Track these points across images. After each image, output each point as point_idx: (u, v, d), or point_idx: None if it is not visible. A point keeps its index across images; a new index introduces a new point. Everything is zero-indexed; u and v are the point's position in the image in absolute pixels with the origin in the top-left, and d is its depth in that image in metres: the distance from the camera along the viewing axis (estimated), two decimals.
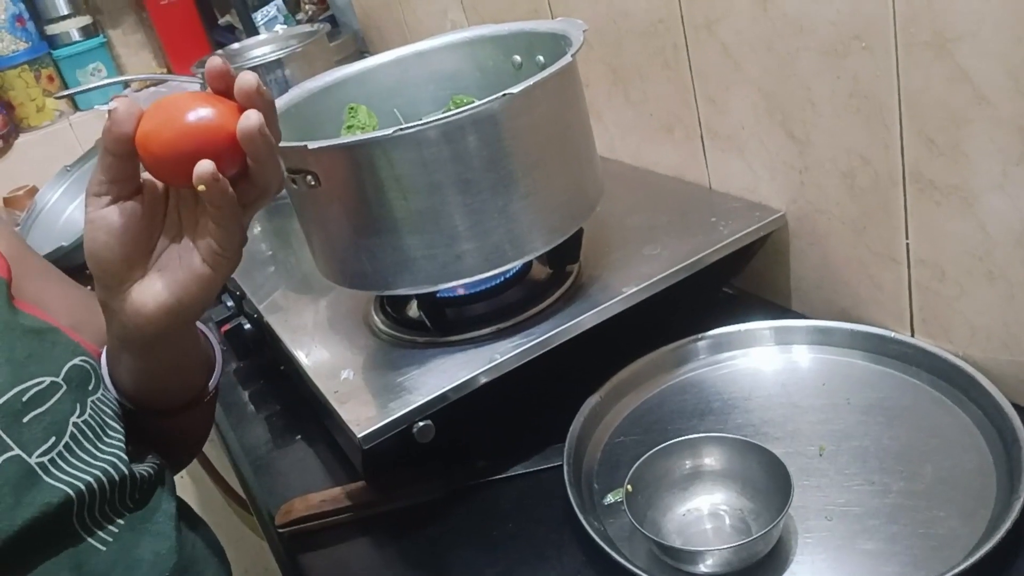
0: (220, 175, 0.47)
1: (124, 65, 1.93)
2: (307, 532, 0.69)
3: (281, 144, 0.63)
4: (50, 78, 1.82)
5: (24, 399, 0.52)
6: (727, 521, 0.59)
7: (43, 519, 0.51)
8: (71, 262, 1.35)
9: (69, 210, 1.49)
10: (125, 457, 0.56)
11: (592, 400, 0.70)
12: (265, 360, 0.91)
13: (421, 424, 0.63)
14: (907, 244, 0.67)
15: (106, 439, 0.56)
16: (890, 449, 0.62)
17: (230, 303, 0.96)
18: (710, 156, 0.84)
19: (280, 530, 0.69)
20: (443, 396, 0.64)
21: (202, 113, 0.47)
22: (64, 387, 0.55)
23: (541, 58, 0.75)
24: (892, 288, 0.70)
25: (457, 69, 0.81)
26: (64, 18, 1.80)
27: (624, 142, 0.96)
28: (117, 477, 0.55)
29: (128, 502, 0.57)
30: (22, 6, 1.75)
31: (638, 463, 0.60)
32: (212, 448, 1.39)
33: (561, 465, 0.64)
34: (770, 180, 0.78)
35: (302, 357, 0.74)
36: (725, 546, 0.56)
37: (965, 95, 0.57)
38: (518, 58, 0.77)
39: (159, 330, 0.53)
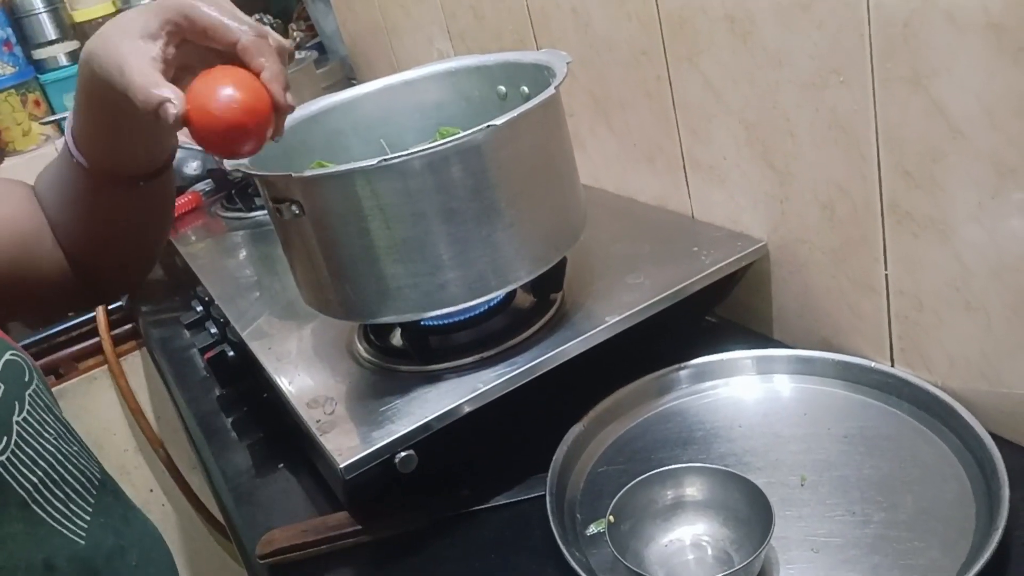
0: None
1: None
2: (288, 563, 0.68)
3: (266, 173, 0.64)
4: (36, 103, 1.81)
5: None
6: (709, 552, 0.59)
7: (16, 514, 0.51)
8: None
9: None
10: (65, 450, 0.58)
11: (575, 429, 0.70)
12: (248, 387, 0.90)
13: (403, 454, 0.63)
14: (886, 274, 0.68)
15: (45, 433, 0.58)
16: (871, 479, 0.62)
17: (214, 330, 0.96)
18: (692, 186, 0.85)
19: (261, 561, 0.69)
20: (426, 426, 0.64)
21: (235, 103, 0.53)
22: (2, 387, 0.55)
23: (526, 89, 0.76)
24: (872, 318, 0.71)
25: (443, 99, 0.82)
26: (51, 43, 1.80)
27: (607, 171, 0.97)
28: (57, 476, 0.56)
29: (79, 497, 0.58)
30: (9, 31, 1.75)
31: (620, 493, 0.60)
32: (194, 476, 1.38)
33: (544, 495, 0.64)
34: (752, 210, 0.79)
35: (285, 385, 0.74)
36: None
37: (940, 129, 0.58)
38: (503, 88, 0.78)
39: None
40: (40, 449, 0.57)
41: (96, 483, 0.63)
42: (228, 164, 0.68)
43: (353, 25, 1.60)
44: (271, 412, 0.86)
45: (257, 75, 0.54)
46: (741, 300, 0.83)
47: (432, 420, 0.64)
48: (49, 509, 0.56)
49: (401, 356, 0.73)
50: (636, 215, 0.91)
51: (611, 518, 0.59)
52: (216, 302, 0.96)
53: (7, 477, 0.53)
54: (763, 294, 0.81)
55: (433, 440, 0.64)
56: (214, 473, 0.84)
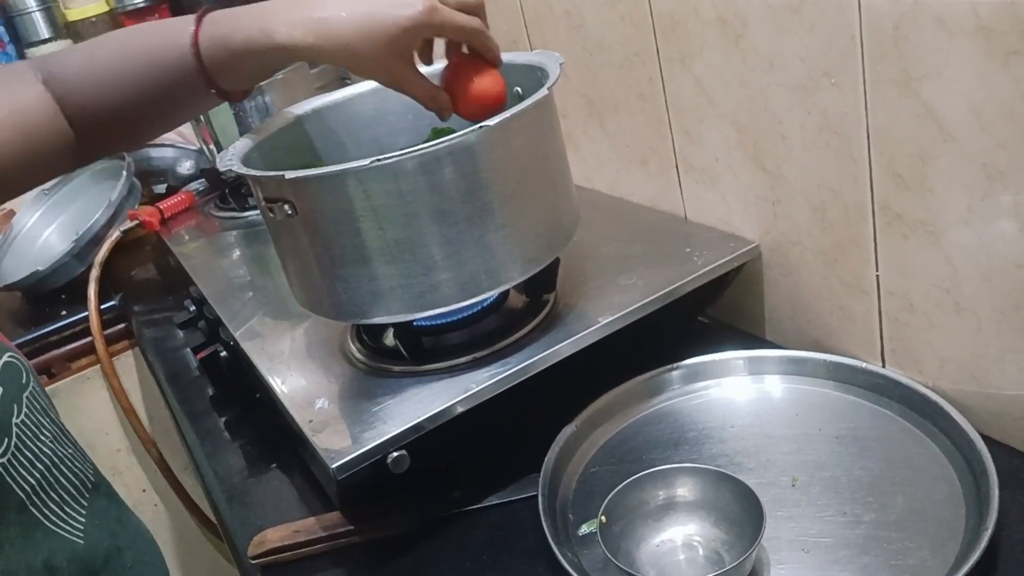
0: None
1: None
2: (280, 563, 0.68)
3: (258, 173, 0.64)
4: None
5: None
6: (700, 552, 0.59)
7: (14, 518, 0.52)
8: (47, 286, 1.34)
9: (46, 234, 1.48)
10: (60, 452, 0.59)
11: (567, 430, 0.70)
12: (241, 387, 0.90)
13: (395, 454, 0.63)
14: (877, 276, 0.68)
15: (42, 435, 0.58)
16: (862, 480, 0.63)
17: (207, 330, 0.96)
18: (685, 187, 0.86)
19: (253, 561, 0.69)
20: (418, 426, 0.64)
21: (490, 90, 0.68)
22: (1, 389, 0.55)
23: (519, 89, 0.76)
24: (863, 319, 0.71)
25: None
26: (44, 42, 1.79)
27: (600, 172, 0.98)
28: (53, 479, 0.57)
29: (74, 500, 0.59)
30: (2, 29, 1.75)
31: (612, 494, 0.60)
32: (186, 476, 1.38)
33: (536, 495, 0.64)
34: (743, 212, 0.79)
35: (277, 385, 0.74)
36: None
37: (931, 132, 0.58)
38: None
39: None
40: (37, 452, 0.57)
41: (90, 486, 0.63)
42: (220, 164, 0.68)
43: None
44: (264, 412, 0.86)
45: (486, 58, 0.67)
46: (733, 301, 0.84)
47: (424, 420, 0.64)
48: (46, 511, 0.57)
49: (394, 356, 0.73)
50: (629, 216, 0.91)
51: (603, 518, 0.59)
52: (209, 302, 0.96)
53: (7, 479, 0.53)
54: (755, 295, 0.81)
55: (425, 440, 0.64)
56: (206, 473, 0.84)
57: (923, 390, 0.66)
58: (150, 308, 1.25)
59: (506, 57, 0.77)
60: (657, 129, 0.85)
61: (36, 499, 0.56)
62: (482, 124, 0.61)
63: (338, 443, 0.64)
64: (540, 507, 0.63)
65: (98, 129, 0.67)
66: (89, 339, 1.31)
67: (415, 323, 0.72)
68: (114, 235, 1.32)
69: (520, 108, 0.62)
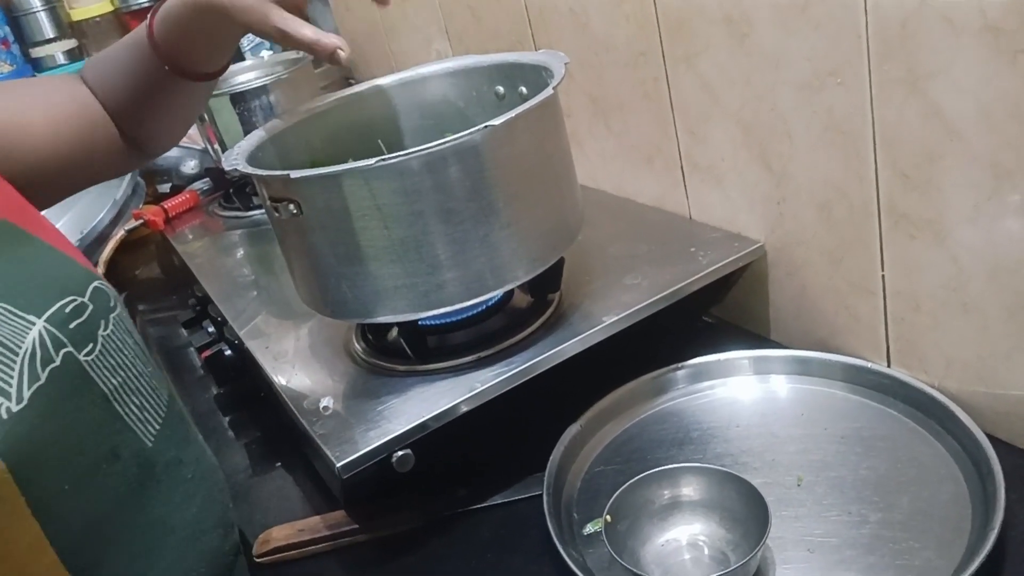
0: None
1: None
2: (285, 562, 0.69)
3: (264, 173, 0.64)
4: None
5: (67, 311, 0.56)
6: (706, 552, 0.59)
7: (94, 414, 0.56)
8: None
9: None
10: (140, 368, 0.62)
11: (572, 429, 0.70)
12: (245, 386, 0.90)
13: (400, 453, 0.63)
14: (883, 276, 0.68)
15: (125, 351, 0.61)
16: (867, 480, 0.62)
17: (211, 329, 0.96)
18: (690, 187, 0.85)
19: (258, 560, 0.69)
20: (423, 425, 0.64)
21: None
22: (91, 306, 0.59)
23: (524, 89, 0.76)
24: (869, 319, 0.71)
25: (440, 99, 0.82)
26: (49, 41, 1.79)
27: (605, 172, 0.97)
28: (134, 387, 0.60)
29: (153, 408, 0.62)
30: (7, 29, 1.75)
31: (617, 493, 0.60)
32: None
33: (541, 495, 0.64)
34: (749, 211, 0.79)
35: (282, 384, 0.74)
36: None
37: (937, 131, 0.58)
38: (501, 89, 0.78)
39: None
40: (121, 361, 0.61)
41: (166, 402, 0.65)
42: (226, 164, 0.68)
43: (351, 25, 1.60)
44: (268, 411, 0.86)
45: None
46: (738, 301, 0.83)
47: (429, 420, 0.64)
48: (127, 409, 0.60)
49: (398, 355, 0.73)
50: (634, 215, 0.91)
51: (608, 518, 0.59)
52: (213, 301, 0.96)
53: (91, 375, 0.57)
54: (760, 295, 0.81)
55: (430, 439, 0.64)
56: None
57: (929, 390, 0.65)
58: (154, 307, 1.25)
59: (511, 57, 0.77)
60: (662, 128, 0.85)
61: (119, 396, 0.59)
62: (487, 124, 0.61)
63: (343, 442, 0.64)
64: (545, 506, 0.63)
65: (127, 124, 0.73)
66: None
67: (420, 322, 0.72)
68: (118, 234, 1.32)
69: (525, 108, 0.62)
